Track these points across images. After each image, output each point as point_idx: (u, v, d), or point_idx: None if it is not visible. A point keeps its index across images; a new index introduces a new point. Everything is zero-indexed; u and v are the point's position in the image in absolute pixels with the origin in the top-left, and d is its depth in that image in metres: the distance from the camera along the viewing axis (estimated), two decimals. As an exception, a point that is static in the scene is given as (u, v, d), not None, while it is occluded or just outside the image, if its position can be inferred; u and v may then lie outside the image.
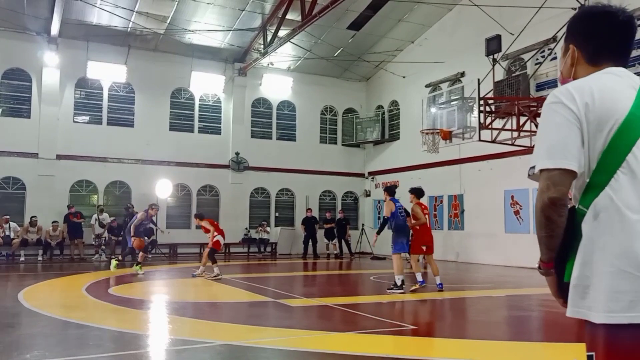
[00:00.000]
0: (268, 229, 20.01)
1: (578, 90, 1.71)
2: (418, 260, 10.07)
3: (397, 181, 19.73)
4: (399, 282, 9.34)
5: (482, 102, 12.94)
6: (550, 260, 1.75)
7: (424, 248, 9.83)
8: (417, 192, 10.10)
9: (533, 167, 1.76)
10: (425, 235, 9.90)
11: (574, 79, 1.87)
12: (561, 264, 1.75)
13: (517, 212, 15.40)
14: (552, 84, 14.92)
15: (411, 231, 10.15)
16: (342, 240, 19.64)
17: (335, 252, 19.45)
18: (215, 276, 11.33)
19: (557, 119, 1.69)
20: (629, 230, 1.59)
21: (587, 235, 1.66)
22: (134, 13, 16.64)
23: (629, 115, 1.66)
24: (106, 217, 17.11)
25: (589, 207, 1.67)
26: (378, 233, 10.14)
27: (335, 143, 22.47)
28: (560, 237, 1.69)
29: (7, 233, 15.70)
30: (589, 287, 1.64)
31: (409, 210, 10.37)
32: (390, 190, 10.48)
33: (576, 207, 1.72)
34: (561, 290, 1.77)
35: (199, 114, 19.97)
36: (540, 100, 13.55)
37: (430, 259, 9.97)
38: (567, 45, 1.92)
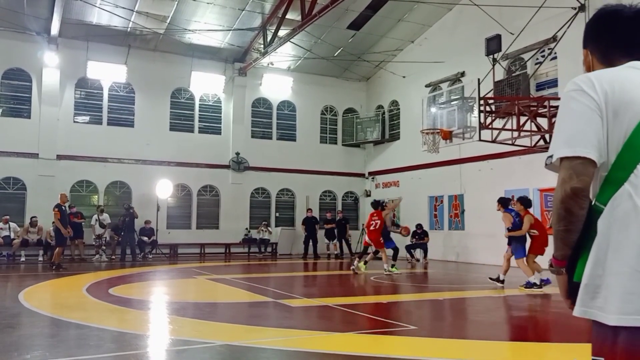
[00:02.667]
0: (270, 229, 20.00)
1: (598, 79, 1.65)
2: (534, 262, 9.98)
3: (397, 182, 19.72)
4: (537, 281, 9.77)
5: (482, 102, 12.93)
6: (565, 258, 1.67)
7: (545, 249, 9.93)
8: (525, 202, 10.22)
9: (551, 157, 1.66)
10: (547, 239, 10.02)
11: None
12: (573, 262, 1.66)
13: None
14: (552, 84, 14.93)
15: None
16: (343, 241, 19.63)
17: (335, 252, 19.44)
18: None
19: (577, 107, 1.62)
20: None
21: (603, 233, 1.58)
22: (134, 13, 16.64)
23: None
24: (106, 218, 17.12)
25: (606, 203, 1.59)
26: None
27: (336, 143, 22.47)
28: (579, 232, 1.61)
29: (7, 233, 15.71)
30: (601, 286, 1.56)
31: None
32: (505, 202, 10.83)
33: (592, 202, 1.63)
34: (571, 291, 1.67)
35: (199, 114, 19.98)
36: (541, 100, 13.56)
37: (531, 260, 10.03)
38: (584, 52, 1.94)
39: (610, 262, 1.56)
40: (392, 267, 13.22)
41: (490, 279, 10.49)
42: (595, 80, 1.65)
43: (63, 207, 13.67)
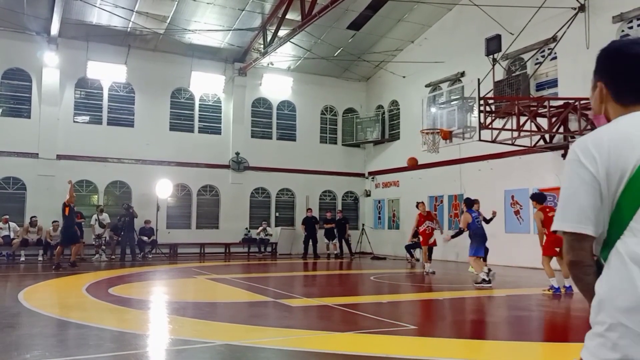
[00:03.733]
0: (269, 229, 19.99)
1: (596, 145, 1.61)
2: (549, 265, 9.77)
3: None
4: (485, 277, 10.33)
5: (482, 101, 12.93)
6: None
7: (558, 250, 9.72)
8: (538, 198, 10.10)
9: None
10: (558, 238, 9.85)
11: (605, 116, 1.77)
12: None
13: (517, 212, 15.39)
14: (552, 84, 14.92)
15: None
16: (343, 240, 19.63)
17: (335, 252, 19.43)
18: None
19: (574, 179, 1.62)
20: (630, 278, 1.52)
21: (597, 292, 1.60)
22: (134, 13, 16.64)
23: (636, 172, 1.54)
24: (106, 217, 17.11)
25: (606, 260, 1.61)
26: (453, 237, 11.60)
27: (336, 143, 22.47)
28: (592, 284, 1.62)
29: (7, 233, 15.71)
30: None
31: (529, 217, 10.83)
32: (469, 202, 11.51)
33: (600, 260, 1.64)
34: None
35: (199, 114, 19.98)
36: (540, 100, 13.57)
37: (561, 262, 9.74)
38: (595, 80, 1.81)
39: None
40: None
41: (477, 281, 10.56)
42: (592, 147, 1.61)
43: (72, 206, 13.71)
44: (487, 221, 12.65)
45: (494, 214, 13.33)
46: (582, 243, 1.60)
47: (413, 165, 12.05)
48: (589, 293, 1.62)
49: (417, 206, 13.39)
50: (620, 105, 1.72)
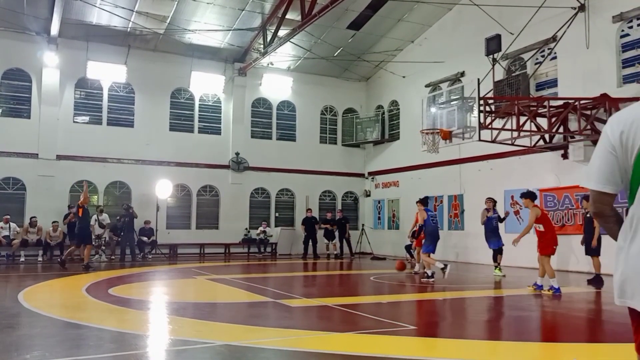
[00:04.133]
0: (268, 229, 19.99)
1: (619, 120, 2.02)
2: (549, 264, 9.75)
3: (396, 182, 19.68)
4: (429, 273, 11.19)
5: (482, 101, 12.93)
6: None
7: (555, 248, 9.83)
8: (532, 196, 10.14)
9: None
10: (555, 237, 9.96)
11: None
12: None
13: (517, 212, 15.38)
14: (552, 84, 14.93)
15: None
16: (344, 240, 19.62)
17: (335, 252, 19.44)
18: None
19: (599, 147, 2.06)
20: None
21: (619, 246, 2.04)
22: (134, 13, 16.64)
23: None
24: (106, 218, 17.09)
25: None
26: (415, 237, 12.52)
27: (335, 143, 22.47)
28: (614, 230, 2.08)
29: (7, 233, 15.70)
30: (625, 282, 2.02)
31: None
32: (424, 201, 12.07)
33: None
34: None
35: (199, 114, 19.98)
36: (540, 100, 13.57)
37: (547, 261, 9.83)
38: None
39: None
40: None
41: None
42: (615, 122, 2.03)
43: (86, 207, 13.82)
44: (501, 220, 13.35)
45: (507, 214, 14.22)
46: (602, 198, 2.06)
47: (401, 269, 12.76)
48: (612, 231, 2.10)
49: (417, 203, 13.30)
50: None
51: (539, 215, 9.81)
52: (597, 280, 10.71)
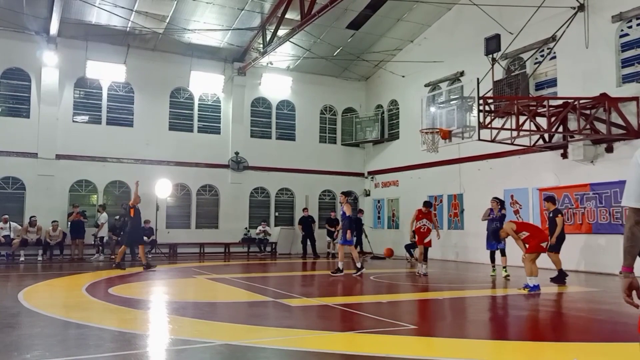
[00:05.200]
0: (267, 228, 19.98)
1: None
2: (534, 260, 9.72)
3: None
4: (340, 267, 12.42)
5: (481, 101, 12.94)
6: (631, 266, 2.59)
7: (544, 245, 9.91)
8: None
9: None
10: (542, 234, 10.13)
11: None
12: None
13: (516, 212, 15.39)
14: (551, 84, 14.93)
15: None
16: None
17: (335, 251, 19.40)
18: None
19: (632, 174, 2.57)
20: None
21: None
22: (133, 12, 16.64)
23: None
24: (103, 217, 17.04)
25: None
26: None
27: (335, 142, 22.47)
28: (638, 247, 2.57)
29: (7, 233, 15.70)
30: None
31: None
32: (348, 193, 12.94)
33: None
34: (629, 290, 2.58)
35: (199, 114, 19.98)
36: (540, 100, 13.57)
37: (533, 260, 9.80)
38: None
39: None
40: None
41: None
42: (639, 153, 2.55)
43: (137, 207, 13.86)
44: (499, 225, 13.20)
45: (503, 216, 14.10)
46: (636, 213, 2.57)
47: (389, 255, 13.31)
48: (636, 246, 2.58)
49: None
50: None
51: (515, 229, 9.99)
52: (560, 276, 10.88)
